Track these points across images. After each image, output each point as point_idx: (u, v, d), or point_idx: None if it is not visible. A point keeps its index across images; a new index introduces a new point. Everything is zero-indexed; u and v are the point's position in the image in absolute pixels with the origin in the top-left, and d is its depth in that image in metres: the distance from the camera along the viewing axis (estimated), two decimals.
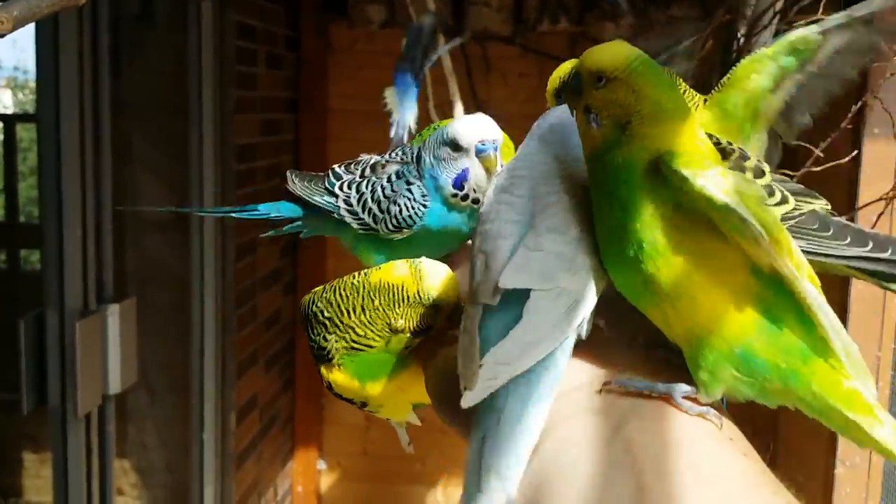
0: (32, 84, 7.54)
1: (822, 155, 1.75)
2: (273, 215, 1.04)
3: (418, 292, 0.85)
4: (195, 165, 3.01)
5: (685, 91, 0.96)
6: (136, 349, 2.49)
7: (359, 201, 0.97)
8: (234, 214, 1.07)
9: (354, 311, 0.87)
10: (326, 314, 0.89)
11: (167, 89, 3.08)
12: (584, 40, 3.79)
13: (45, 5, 0.79)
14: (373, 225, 0.97)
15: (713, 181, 0.61)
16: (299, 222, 1.05)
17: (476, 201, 0.94)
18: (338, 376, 0.89)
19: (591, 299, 0.64)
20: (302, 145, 3.85)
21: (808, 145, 1.68)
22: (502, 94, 3.88)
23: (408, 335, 0.86)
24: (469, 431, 0.62)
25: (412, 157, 0.98)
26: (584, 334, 0.64)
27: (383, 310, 0.86)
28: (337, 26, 3.84)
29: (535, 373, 0.61)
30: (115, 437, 2.46)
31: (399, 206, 0.95)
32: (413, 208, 0.95)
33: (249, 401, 3.38)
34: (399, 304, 0.85)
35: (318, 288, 0.94)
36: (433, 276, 0.85)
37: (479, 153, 0.92)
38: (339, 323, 0.88)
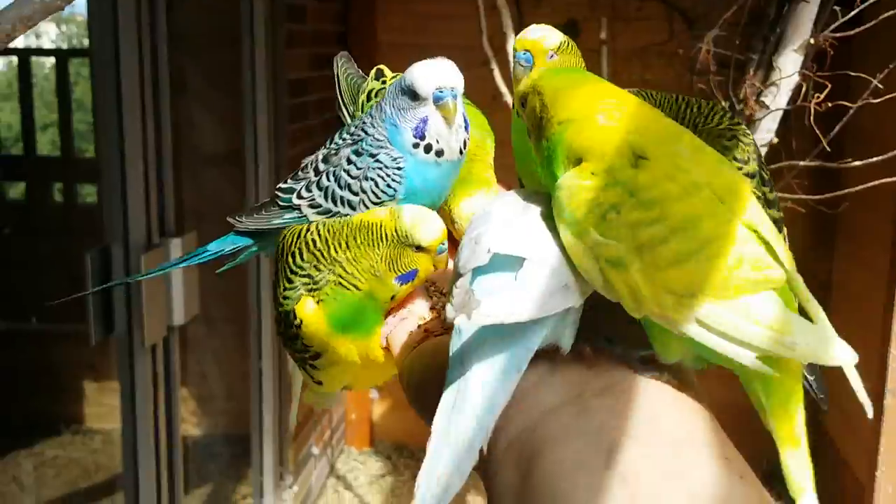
0: (79, 18, 7.55)
1: None
2: (228, 250, 0.99)
3: (396, 230, 0.84)
4: (248, 100, 3.02)
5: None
6: (197, 281, 2.55)
7: (326, 196, 0.91)
8: (184, 264, 1.02)
9: (341, 246, 0.86)
10: (318, 245, 0.87)
11: (219, 24, 3.08)
12: None
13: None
14: (351, 213, 0.90)
15: (572, 233, 0.66)
16: (254, 248, 1.00)
17: (440, 153, 0.88)
18: (313, 316, 0.88)
19: (581, 291, 0.64)
20: None
21: None
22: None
23: (391, 281, 0.85)
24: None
25: (362, 130, 0.91)
26: (567, 346, 0.64)
27: (364, 248, 0.85)
28: None
29: (512, 340, 0.62)
30: (179, 366, 2.53)
31: (373, 179, 0.88)
32: (389, 175, 0.89)
33: None
34: (378, 244, 0.84)
35: (301, 226, 0.92)
36: (413, 217, 0.84)
37: (437, 101, 0.86)
38: (328, 255, 0.87)
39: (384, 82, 1.01)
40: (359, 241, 0.85)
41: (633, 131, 0.66)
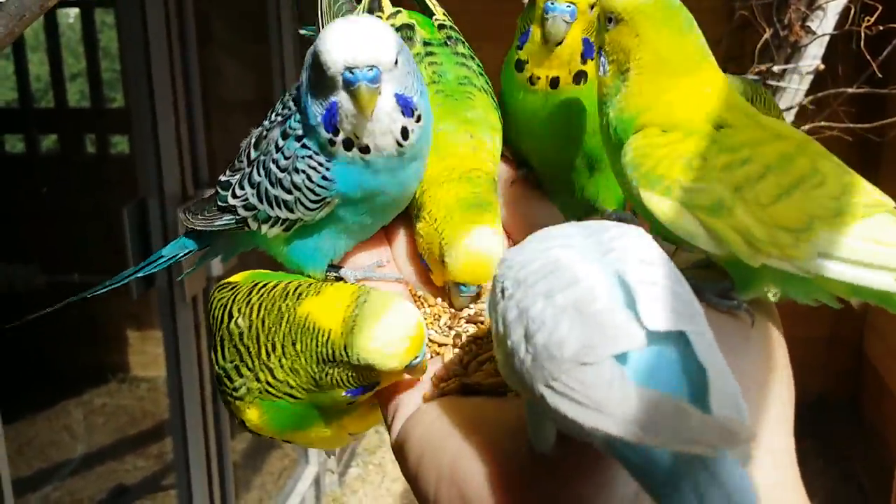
0: None
1: None
2: (181, 256, 0.86)
3: (345, 349, 0.65)
4: (275, 46, 2.97)
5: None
6: None
7: (260, 197, 0.74)
8: (140, 273, 0.87)
9: (274, 350, 0.69)
10: (245, 340, 0.71)
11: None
12: None
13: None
14: (292, 216, 0.73)
15: (657, 192, 0.58)
16: (210, 252, 0.87)
17: (365, 149, 0.69)
18: (253, 415, 0.73)
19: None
20: None
21: None
22: None
23: (340, 395, 0.68)
24: None
25: (292, 102, 0.73)
26: None
27: (305, 360, 0.68)
28: None
29: None
30: None
31: (303, 172, 0.70)
32: (321, 164, 0.70)
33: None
34: (325, 361, 0.67)
35: (239, 278, 0.76)
36: (373, 336, 0.64)
37: (347, 85, 0.66)
38: (254, 358, 0.70)
39: (379, 17, 0.81)
40: (298, 349, 0.68)
41: (715, 107, 0.61)
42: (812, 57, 2.36)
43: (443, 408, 0.63)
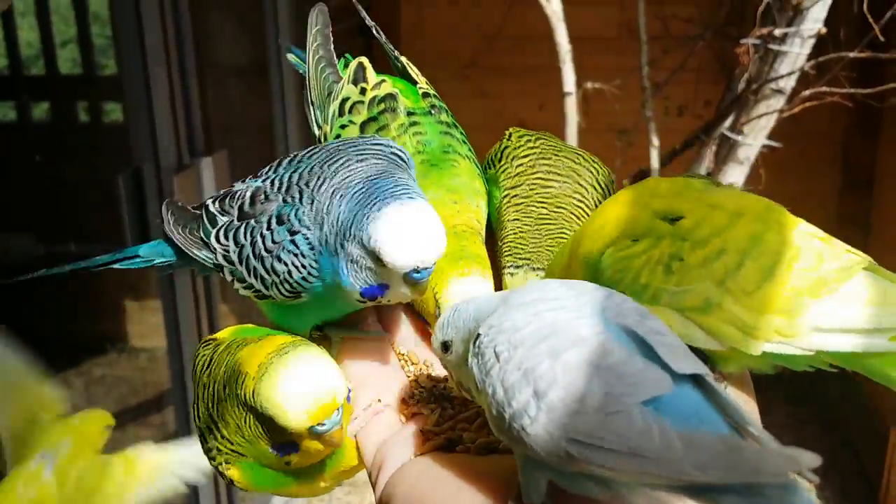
0: None
1: None
2: (157, 262, 0.85)
3: (253, 394, 0.65)
4: (269, 9, 2.93)
5: None
6: None
7: (241, 259, 0.74)
8: (115, 265, 0.87)
9: (228, 426, 0.69)
10: (211, 408, 0.71)
11: None
12: None
13: None
14: (265, 291, 0.74)
15: (645, 301, 0.61)
16: (186, 264, 0.85)
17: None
18: (234, 474, 0.73)
19: None
20: None
21: None
22: None
23: (267, 451, 0.68)
24: None
25: (298, 190, 0.72)
26: None
27: (230, 405, 0.68)
28: None
29: None
30: (219, 285, 2.54)
31: (285, 264, 0.72)
32: (304, 266, 0.71)
33: None
34: (242, 406, 0.67)
35: (224, 334, 0.75)
36: (280, 388, 0.63)
37: (411, 279, 0.68)
38: (218, 431, 0.70)
39: (363, 91, 0.84)
40: (226, 393, 0.68)
41: (649, 206, 0.63)
42: (814, 20, 2.32)
43: (429, 463, 0.62)
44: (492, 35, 3.70)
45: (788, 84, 2.38)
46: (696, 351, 0.60)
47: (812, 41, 2.36)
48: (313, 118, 0.88)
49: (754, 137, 2.48)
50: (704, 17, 3.27)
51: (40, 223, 3.60)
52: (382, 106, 0.83)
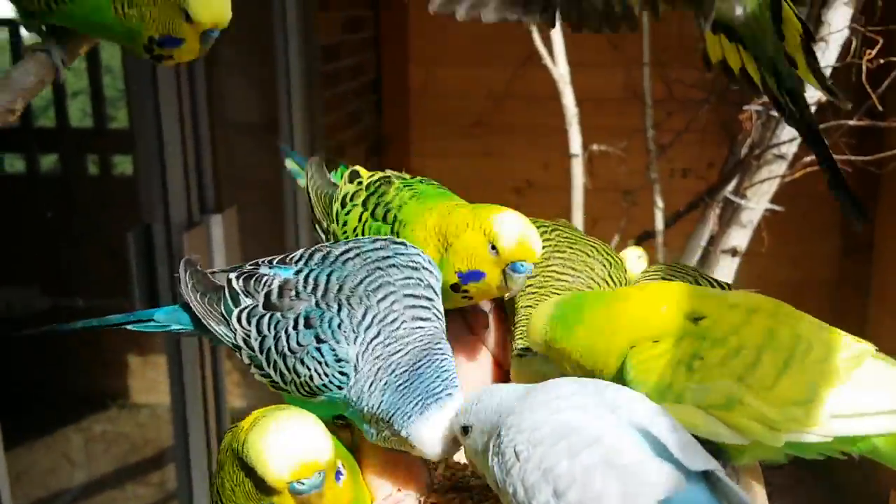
0: None
1: None
2: (173, 328, 0.88)
3: (244, 443, 0.67)
4: (281, 67, 2.98)
5: None
6: (239, 257, 2.54)
7: (262, 349, 0.77)
8: (129, 326, 0.90)
9: (224, 489, 0.72)
10: (216, 479, 0.75)
11: None
12: None
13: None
14: (282, 385, 0.77)
15: (670, 401, 0.65)
16: (202, 333, 0.87)
17: None
18: None
19: None
20: (383, 42, 3.77)
21: None
22: None
23: None
24: None
25: (336, 301, 0.75)
26: None
27: (249, 489, 0.69)
28: None
29: None
30: None
31: (308, 368, 0.74)
32: (327, 375, 0.74)
33: None
34: (259, 488, 0.68)
35: (248, 421, 0.75)
36: (268, 431, 0.66)
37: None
38: (220, 498, 0.73)
39: (360, 183, 0.93)
40: (226, 454, 0.71)
41: (675, 306, 0.67)
42: (814, 89, 2.36)
43: None
44: (499, 95, 3.75)
45: (790, 150, 2.41)
46: (708, 444, 0.62)
47: (814, 108, 2.40)
48: (321, 232, 0.97)
49: (757, 201, 2.50)
50: (708, 82, 3.32)
51: (46, 276, 3.61)
52: (378, 182, 0.93)
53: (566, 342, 0.68)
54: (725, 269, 2.46)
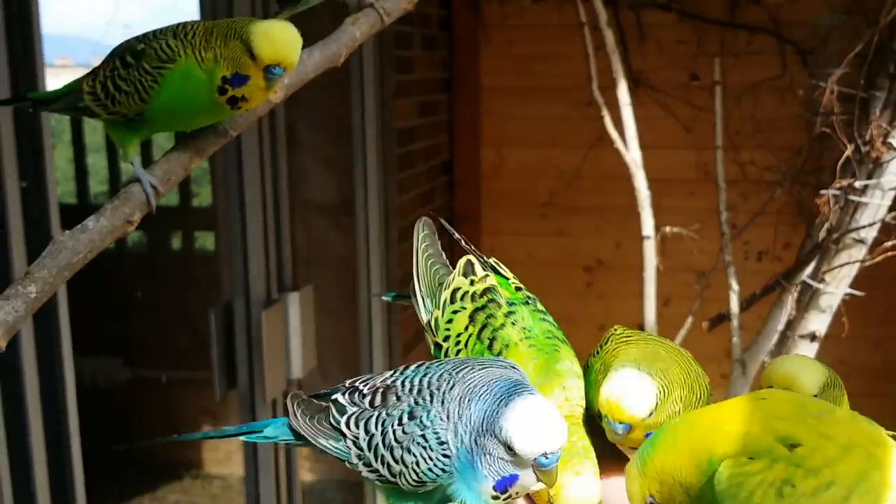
0: None
1: None
2: (281, 440, 0.92)
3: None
4: (359, 150, 3.08)
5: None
6: (314, 334, 2.59)
7: (370, 446, 0.82)
8: (241, 437, 0.94)
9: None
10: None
11: (331, 77, 3.15)
12: (746, 2, 3.63)
13: (310, 70, 0.85)
14: (389, 478, 0.82)
15: None
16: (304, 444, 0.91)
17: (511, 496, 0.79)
18: None
19: None
20: (456, 125, 3.87)
21: None
22: (658, 63, 3.76)
23: None
24: None
25: (429, 393, 0.81)
26: None
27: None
28: (489, 3, 3.82)
29: None
30: None
31: (415, 455, 0.80)
32: (431, 458, 0.79)
33: None
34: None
35: None
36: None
37: (541, 466, 0.77)
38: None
39: (472, 282, 0.95)
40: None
41: (770, 428, 0.68)
42: (894, 173, 2.34)
43: None
44: (569, 175, 3.79)
45: (870, 234, 2.38)
46: None
47: (893, 193, 2.37)
48: (421, 305, 0.99)
49: (836, 286, 2.46)
50: (781, 163, 3.31)
51: (128, 348, 3.73)
52: (487, 297, 0.94)
53: (662, 477, 0.70)
54: (805, 354, 2.41)
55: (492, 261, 1.02)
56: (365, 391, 0.86)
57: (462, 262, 0.98)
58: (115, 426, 3.42)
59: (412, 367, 0.86)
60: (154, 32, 0.94)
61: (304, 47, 0.92)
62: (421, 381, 0.83)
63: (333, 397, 0.87)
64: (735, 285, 2.81)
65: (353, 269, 3.09)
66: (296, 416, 0.88)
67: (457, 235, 1.05)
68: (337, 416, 0.85)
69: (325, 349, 2.97)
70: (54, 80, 1.57)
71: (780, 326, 2.61)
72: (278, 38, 0.86)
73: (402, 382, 0.84)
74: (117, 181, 4.33)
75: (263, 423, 0.95)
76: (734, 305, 2.83)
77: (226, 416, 3.71)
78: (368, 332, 3.10)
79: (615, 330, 0.95)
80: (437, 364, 0.85)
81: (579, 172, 3.77)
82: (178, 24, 0.93)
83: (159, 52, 0.90)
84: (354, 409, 0.85)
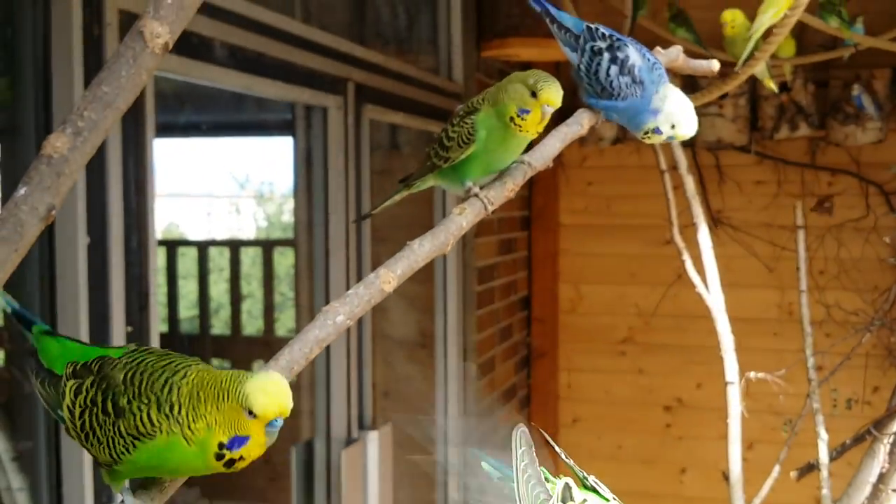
0: (277, 198, 8.17)
1: None
2: None
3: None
4: (440, 287, 3.15)
5: None
6: (391, 473, 2.59)
7: None
8: None
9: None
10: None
11: (412, 214, 3.26)
12: (826, 145, 3.65)
13: (420, 259, 0.91)
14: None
15: None
16: None
17: None
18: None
19: None
20: (534, 261, 3.93)
21: None
22: (737, 203, 3.78)
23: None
24: None
25: None
26: None
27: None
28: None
29: None
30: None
31: None
32: None
33: None
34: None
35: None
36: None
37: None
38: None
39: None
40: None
41: None
42: None
43: None
44: (648, 313, 3.78)
45: None
46: None
47: None
48: None
49: None
50: (868, 305, 3.24)
51: (208, 480, 3.76)
52: None
53: None
54: None
55: (591, 479, 1.02)
56: None
57: (560, 486, 0.99)
58: None
59: None
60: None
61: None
62: None
63: None
64: (824, 435, 2.72)
65: (431, 405, 3.10)
66: None
67: (557, 448, 1.04)
68: None
69: (403, 489, 2.95)
70: None
71: (872, 479, 2.50)
72: (273, 392, 0.84)
73: None
74: None
75: None
76: (823, 455, 2.73)
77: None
78: (444, 475, 3.07)
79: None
80: None
81: (658, 310, 3.76)
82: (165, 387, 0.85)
83: (138, 423, 0.84)
84: None
